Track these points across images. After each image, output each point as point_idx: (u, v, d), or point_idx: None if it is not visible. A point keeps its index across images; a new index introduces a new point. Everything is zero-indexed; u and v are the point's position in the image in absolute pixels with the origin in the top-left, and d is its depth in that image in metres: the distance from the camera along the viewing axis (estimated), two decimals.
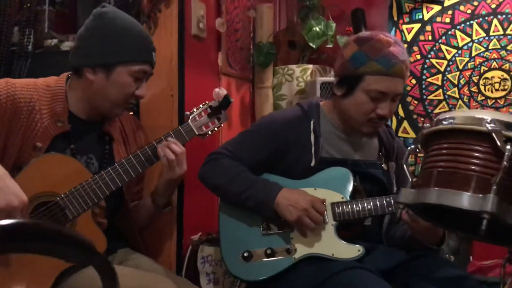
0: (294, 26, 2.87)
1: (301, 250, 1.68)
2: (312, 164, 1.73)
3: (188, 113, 1.71)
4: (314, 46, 2.40)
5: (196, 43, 2.16)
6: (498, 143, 0.94)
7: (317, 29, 2.36)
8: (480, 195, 0.93)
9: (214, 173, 1.77)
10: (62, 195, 1.51)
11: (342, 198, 1.70)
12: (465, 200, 0.95)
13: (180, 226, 1.99)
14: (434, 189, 1.02)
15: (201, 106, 1.73)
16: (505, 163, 0.91)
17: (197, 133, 1.69)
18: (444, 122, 1.05)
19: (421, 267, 1.59)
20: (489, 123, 0.96)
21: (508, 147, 0.93)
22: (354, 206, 1.68)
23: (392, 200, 1.67)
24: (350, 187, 1.71)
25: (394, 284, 1.51)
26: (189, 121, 1.69)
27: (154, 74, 1.67)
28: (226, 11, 2.35)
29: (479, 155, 0.98)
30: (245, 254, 1.71)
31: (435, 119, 1.10)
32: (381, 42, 1.67)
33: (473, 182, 0.97)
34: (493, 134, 0.95)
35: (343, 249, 1.65)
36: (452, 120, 1.03)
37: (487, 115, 0.98)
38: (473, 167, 0.98)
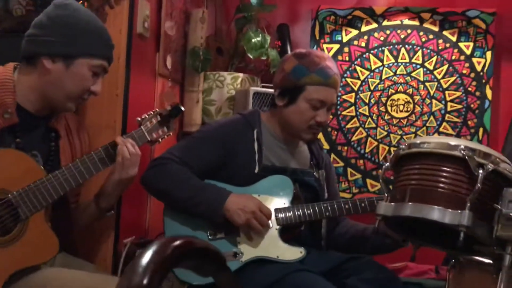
0: (222, 33, 2.93)
1: (248, 254, 1.76)
2: (256, 171, 1.83)
3: (139, 118, 1.70)
4: (252, 57, 2.49)
5: (140, 42, 2.12)
6: (472, 167, 1.11)
7: (256, 40, 2.44)
8: (458, 211, 1.09)
9: (161, 178, 1.77)
10: (15, 193, 1.42)
11: (284, 204, 1.82)
12: (442, 214, 1.11)
13: (117, 229, 1.94)
14: (409, 204, 1.17)
15: (151, 112, 1.73)
16: (479, 185, 1.08)
17: (149, 138, 1.69)
18: (420, 146, 1.20)
19: (355, 269, 1.75)
20: (463, 150, 1.13)
21: (480, 171, 1.10)
22: (295, 211, 1.81)
23: (329, 206, 1.83)
24: (291, 194, 1.84)
25: (333, 284, 1.65)
26: (141, 126, 1.68)
27: None
28: (168, 12, 2.34)
29: (453, 176, 1.14)
30: None
31: (407, 143, 1.25)
32: (318, 57, 1.86)
33: (446, 199, 1.14)
34: (467, 159, 1.12)
35: (287, 251, 1.76)
36: (428, 145, 1.19)
37: (460, 142, 1.16)
38: (447, 187, 1.14)
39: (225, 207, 1.72)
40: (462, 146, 1.14)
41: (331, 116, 2.98)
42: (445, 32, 2.93)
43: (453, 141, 1.17)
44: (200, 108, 2.63)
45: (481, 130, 2.90)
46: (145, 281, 0.49)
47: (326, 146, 2.97)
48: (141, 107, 1.98)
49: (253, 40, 2.46)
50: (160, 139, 1.72)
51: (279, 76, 1.90)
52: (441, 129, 2.94)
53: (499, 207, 1.12)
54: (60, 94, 1.53)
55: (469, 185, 1.12)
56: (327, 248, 1.92)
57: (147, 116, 1.70)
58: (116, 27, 1.91)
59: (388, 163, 1.26)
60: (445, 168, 1.15)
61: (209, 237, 1.78)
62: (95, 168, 1.56)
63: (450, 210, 1.10)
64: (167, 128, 1.74)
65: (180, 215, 1.79)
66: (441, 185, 1.14)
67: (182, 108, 1.76)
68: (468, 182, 1.12)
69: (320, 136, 2.97)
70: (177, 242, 0.45)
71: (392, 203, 1.20)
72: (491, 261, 1.24)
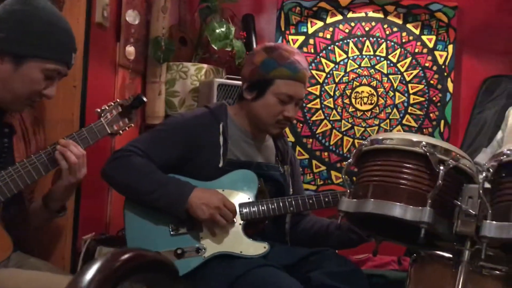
0: (186, 23, 2.86)
1: (211, 249, 1.73)
2: (221, 165, 1.81)
3: (99, 110, 1.64)
4: (216, 48, 2.44)
5: (99, 32, 2.04)
6: (433, 164, 1.11)
7: (220, 31, 2.40)
8: (420, 207, 1.09)
9: (122, 171, 1.73)
10: None
11: (249, 198, 1.81)
12: (404, 211, 1.11)
13: (75, 225, 1.88)
14: (371, 200, 1.16)
15: (112, 103, 1.67)
16: (440, 181, 1.09)
17: (109, 131, 1.63)
18: (383, 142, 1.19)
19: (319, 262, 1.76)
20: (424, 146, 1.13)
21: (441, 167, 1.10)
22: (260, 206, 1.80)
23: (293, 201, 1.82)
24: (255, 189, 1.83)
25: (297, 278, 1.65)
26: (101, 118, 1.62)
27: None
28: (129, 0, 2.26)
29: (415, 172, 1.14)
30: None
31: (369, 139, 1.24)
32: (287, 51, 1.84)
33: (408, 195, 1.14)
34: (428, 156, 1.12)
35: (250, 246, 1.75)
36: (390, 141, 1.18)
37: (422, 138, 1.16)
38: (409, 183, 1.14)
39: (188, 201, 1.69)
40: (424, 143, 1.14)
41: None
42: (408, 25, 2.95)
43: (415, 137, 1.17)
44: (163, 100, 2.57)
45: (442, 122, 2.95)
46: None
47: (291, 138, 2.96)
48: (101, 99, 1.91)
49: (217, 31, 2.41)
50: (121, 131, 1.67)
51: (248, 69, 1.87)
52: (404, 122, 2.98)
53: (458, 203, 1.13)
54: (7, 94, 1.44)
55: (430, 181, 1.12)
56: (291, 244, 1.92)
57: (107, 108, 1.64)
58: (73, 16, 1.83)
59: (350, 159, 1.25)
60: (407, 165, 1.15)
61: (171, 232, 1.75)
62: (37, 173, 1.47)
63: (411, 206, 1.10)
64: (128, 120, 1.68)
65: (141, 210, 1.75)
66: (403, 181, 1.14)
67: (144, 99, 1.71)
68: (429, 179, 1.12)
69: (286, 128, 2.97)
70: (126, 256, 0.42)
71: (355, 199, 1.20)
72: (451, 256, 1.26)
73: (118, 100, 1.68)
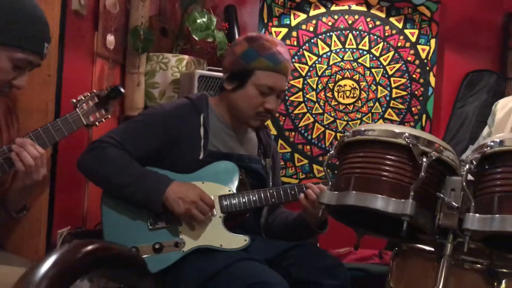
0: (167, 13, 2.81)
1: (190, 243, 1.70)
2: (201, 157, 1.77)
3: (74, 100, 1.58)
4: (197, 38, 2.39)
5: (76, 20, 1.98)
6: (416, 155, 1.09)
7: (201, 21, 2.35)
8: (402, 200, 1.07)
9: (98, 163, 1.69)
10: None
11: (229, 191, 1.77)
12: (386, 203, 1.09)
13: (50, 218, 1.82)
14: (353, 193, 1.14)
15: (88, 94, 1.61)
16: (422, 173, 1.06)
17: (85, 122, 1.58)
18: (365, 133, 1.17)
19: (299, 256, 1.73)
20: (407, 137, 1.11)
21: (424, 159, 1.08)
22: (241, 198, 1.77)
23: (275, 192, 1.79)
24: (236, 181, 1.80)
25: (278, 272, 1.62)
26: (77, 109, 1.56)
27: None
28: None
29: (397, 164, 1.12)
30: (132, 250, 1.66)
31: (351, 131, 1.21)
32: (269, 42, 1.81)
33: (390, 187, 1.11)
34: (411, 147, 1.10)
35: (230, 240, 1.72)
36: (372, 132, 1.16)
37: (405, 130, 1.13)
38: (391, 175, 1.12)
39: (164, 195, 1.65)
40: (407, 134, 1.11)
41: None
42: (391, 19, 2.94)
43: (397, 129, 1.14)
44: (142, 91, 2.52)
45: (424, 116, 2.95)
46: None
47: (273, 131, 2.93)
48: (78, 89, 1.85)
49: (198, 21, 2.36)
50: (97, 123, 1.62)
51: (229, 59, 1.84)
52: (386, 115, 2.97)
53: (441, 195, 1.11)
54: None
55: (412, 173, 1.10)
56: (266, 237, 1.89)
57: (83, 98, 1.58)
58: (48, 3, 1.76)
59: (332, 151, 1.22)
60: (389, 156, 1.12)
61: (149, 226, 1.71)
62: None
63: (393, 199, 1.07)
64: (105, 111, 1.63)
65: (119, 203, 1.71)
66: (385, 173, 1.11)
67: (122, 90, 1.66)
68: (412, 171, 1.10)
69: (268, 121, 2.94)
70: (88, 248, 0.39)
71: (336, 192, 1.17)
72: (433, 249, 1.24)
73: (94, 90, 1.63)
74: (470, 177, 1.08)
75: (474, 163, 1.06)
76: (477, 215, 1.02)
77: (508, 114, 1.92)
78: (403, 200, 1.07)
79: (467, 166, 1.06)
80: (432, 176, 1.12)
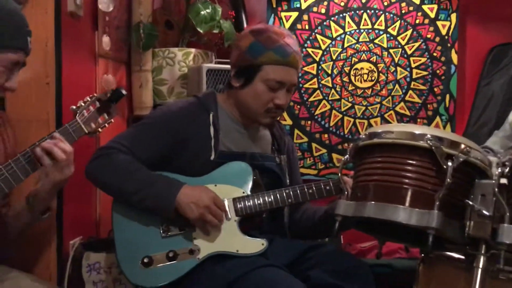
0: (171, 5, 2.70)
1: (205, 250, 1.63)
2: (212, 158, 1.70)
3: (74, 107, 1.50)
4: (202, 31, 2.28)
5: (73, 21, 1.89)
6: (439, 159, 0.98)
7: (205, 13, 2.23)
8: (427, 211, 0.96)
9: (107, 170, 1.62)
10: None
11: (243, 192, 1.70)
12: (408, 215, 0.98)
13: (60, 231, 1.76)
14: (372, 203, 1.03)
15: (88, 98, 1.53)
16: (448, 180, 0.95)
17: (86, 131, 1.50)
18: (382, 136, 1.05)
19: (318, 258, 1.65)
20: (429, 140, 0.99)
21: (449, 163, 0.97)
22: (256, 200, 1.69)
23: (291, 192, 1.70)
24: (250, 182, 1.72)
25: (296, 276, 1.54)
26: (76, 117, 1.48)
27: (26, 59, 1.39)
28: None
29: (419, 170, 1.01)
30: (145, 260, 1.61)
31: (367, 133, 1.10)
32: (277, 34, 1.71)
33: (413, 196, 1.00)
34: (434, 150, 0.98)
35: (247, 244, 1.65)
36: (391, 135, 1.04)
37: (426, 130, 1.01)
38: (413, 182, 1.01)
39: (176, 200, 1.58)
40: (429, 136, 1.00)
41: None
42: None
43: (418, 130, 1.02)
44: (150, 89, 2.43)
45: (447, 97, 2.79)
46: None
47: (289, 121, 2.82)
48: (81, 94, 1.76)
49: (202, 13, 2.25)
50: (100, 129, 1.54)
51: (235, 55, 1.75)
52: (407, 98, 2.82)
53: (470, 203, 0.99)
54: None
55: (437, 179, 0.98)
56: (292, 237, 1.80)
57: (83, 104, 1.50)
58: (40, 6, 1.68)
59: (347, 155, 1.11)
60: (411, 162, 1.01)
61: (162, 233, 1.64)
62: (24, 173, 1.36)
63: (417, 209, 0.96)
64: (107, 115, 1.56)
65: (130, 210, 1.64)
66: (406, 180, 1.00)
67: (124, 92, 1.57)
68: (436, 176, 0.99)
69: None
70: None
71: (353, 202, 1.06)
72: (462, 257, 1.13)
73: (95, 94, 1.54)
74: (503, 180, 0.96)
75: (508, 165, 0.94)
76: None
77: None
78: (427, 210, 0.96)
79: (500, 170, 0.94)
80: (459, 181, 1.00)
